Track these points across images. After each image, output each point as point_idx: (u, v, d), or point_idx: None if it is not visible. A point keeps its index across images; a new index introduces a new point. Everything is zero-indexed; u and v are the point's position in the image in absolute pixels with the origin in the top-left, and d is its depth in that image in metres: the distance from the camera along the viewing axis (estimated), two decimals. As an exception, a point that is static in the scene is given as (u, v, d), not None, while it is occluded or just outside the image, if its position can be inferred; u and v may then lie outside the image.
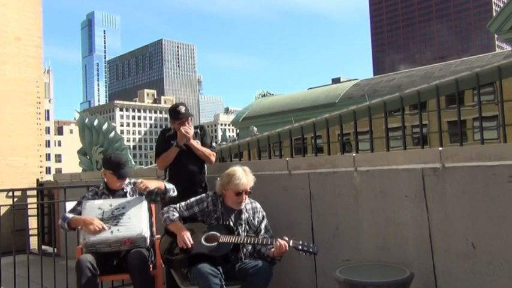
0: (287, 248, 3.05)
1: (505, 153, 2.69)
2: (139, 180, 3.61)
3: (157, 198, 3.63)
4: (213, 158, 4.12)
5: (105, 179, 3.77)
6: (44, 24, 7.81)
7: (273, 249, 3.13)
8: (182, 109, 4.00)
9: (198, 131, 4.16)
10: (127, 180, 3.76)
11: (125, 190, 3.72)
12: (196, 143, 4.03)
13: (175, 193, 3.67)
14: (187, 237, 3.18)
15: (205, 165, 4.20)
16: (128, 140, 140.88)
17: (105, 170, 3.71)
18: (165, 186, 3.62)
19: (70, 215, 3.51)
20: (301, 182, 3.71)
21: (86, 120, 17.47)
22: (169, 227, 3.30)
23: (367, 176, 3.31)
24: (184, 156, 3.99)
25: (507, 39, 26.08)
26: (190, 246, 3.15)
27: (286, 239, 3.08)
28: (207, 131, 4.25)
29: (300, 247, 3.03)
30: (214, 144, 4.24)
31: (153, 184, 3.58)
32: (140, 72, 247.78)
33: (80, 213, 3.52)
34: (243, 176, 3.30)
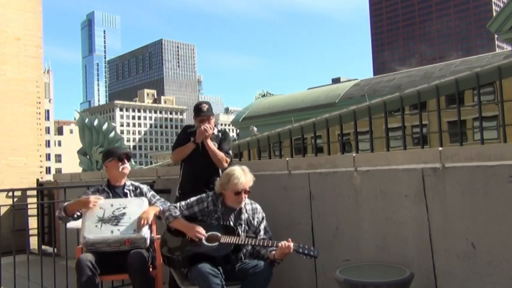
0: (291, 249, 3.04)
1: (505, 153, 2.69)
2: (140, 218, 3.47)
3: None
4: (226, 165, 3.97)
5: (108, 176, 3.80)
6: (44, 24, 7.81)
7: (273, 252, 3.12)
8: (205, 107, 3.96)
9: (220, 134, 4.09)
10: (129, 182, 3.78)
11: (125, 190, 3.73)
12: (212, 145, 3.95)
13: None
14: (200, 228, 3.20)
15: (220, 170, 4.04)
16: (128, 140, 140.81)
17: (105, 164, 3.74)
18: (159, 212, 3.55)
19: (66, 203, 3.55)
20: (301, 182, 3.71)
21: (86, 120, 17.48)
22: (173, 224, 3.30)
23: (367, 176, 3.31)
24: (201, 157, 3.93)
25: (507, 39, 26.13)
26: (205, 236, 3.16)
27: (290, 240, 3.08)
28: (228, 137, 4.14)
29: (301, 250, 3.02)
30: (231, 152, 4.12)
31: (151, 214, 3.52)
32: (140, 72, 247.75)
33: None
34: (242, 175, 3.29)
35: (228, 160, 4.01)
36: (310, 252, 3.02)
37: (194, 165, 3.98)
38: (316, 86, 57.41)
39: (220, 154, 3.95)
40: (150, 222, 3.50)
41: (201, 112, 3.94)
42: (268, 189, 3.86)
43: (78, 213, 3.55)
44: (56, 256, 4.57)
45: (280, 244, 3.05)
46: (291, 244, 3.03)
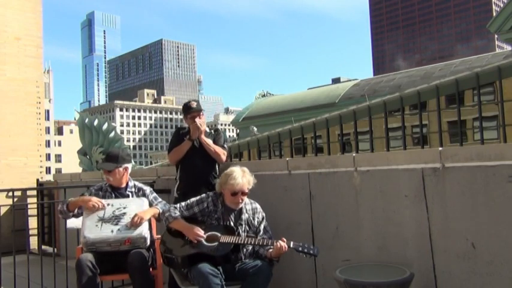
0: (286, 249, 3.05)
1: (505, 153, 2.69)
2: (135, 215, 3.46)
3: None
4: (224, 157, 4.13)
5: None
6: (44, 24, 7.80)
7: (271, 250, 3.13)
8: (194, 104, 4.12)
9: (213, 131, 4.22)
10: (132, 182, 3.78)
11: (127, 192, 3.73)
12: (207, 139, 4.06)
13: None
14: (199, 230, 3.19)
15: (217, 167, 4.14)
16: (128, 140, 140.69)
17: None
18: (159, 214, 3.56)
19: (70, 199, 3.57)
20: (301, 182, 3.71)
21: (86, 120, 17.51)
22: (172, 225, 3.30)
23: (367, 176, 3.31)
24: (197, 155, 4.01)
25: (507, 39, 26.06)
26: (204, 238, 3.15)
27: (285, 240, 3.08)
28: (221, 134, 4.25)
29: (301, 249, 3.03)
30: (226, 145, 4.23)
31: (148, 215, 3.52)
32: (140, 72, 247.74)
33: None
34: (239, 176, 3.28)
35: (225, 152, 4.14)
36: (309, 250, 3.02)
37: (192, 164, 4.02)
38: (316, 86, 57.37)
39: (218, 148, 4.07)
40: (143, 222, 3.45)
41: (191, 109, 4.08)
42: (268, 189, 3.85)
43: (79, 211, 3.57)
44: (56, 256, 4.57)
45: (275, 244, 3.06)
46: (285, 244, 3.04)
